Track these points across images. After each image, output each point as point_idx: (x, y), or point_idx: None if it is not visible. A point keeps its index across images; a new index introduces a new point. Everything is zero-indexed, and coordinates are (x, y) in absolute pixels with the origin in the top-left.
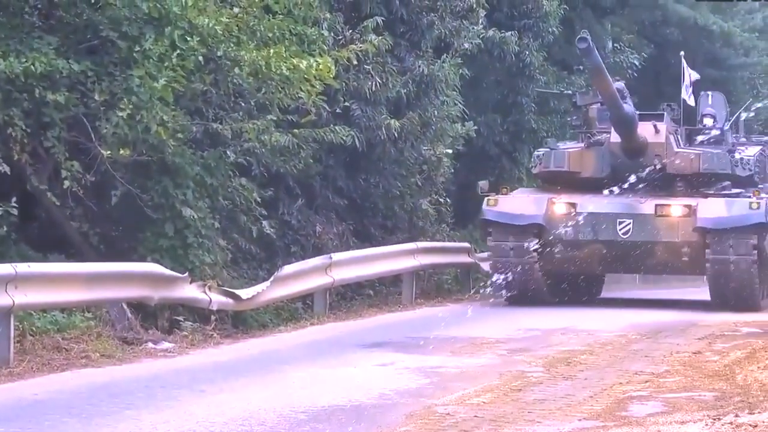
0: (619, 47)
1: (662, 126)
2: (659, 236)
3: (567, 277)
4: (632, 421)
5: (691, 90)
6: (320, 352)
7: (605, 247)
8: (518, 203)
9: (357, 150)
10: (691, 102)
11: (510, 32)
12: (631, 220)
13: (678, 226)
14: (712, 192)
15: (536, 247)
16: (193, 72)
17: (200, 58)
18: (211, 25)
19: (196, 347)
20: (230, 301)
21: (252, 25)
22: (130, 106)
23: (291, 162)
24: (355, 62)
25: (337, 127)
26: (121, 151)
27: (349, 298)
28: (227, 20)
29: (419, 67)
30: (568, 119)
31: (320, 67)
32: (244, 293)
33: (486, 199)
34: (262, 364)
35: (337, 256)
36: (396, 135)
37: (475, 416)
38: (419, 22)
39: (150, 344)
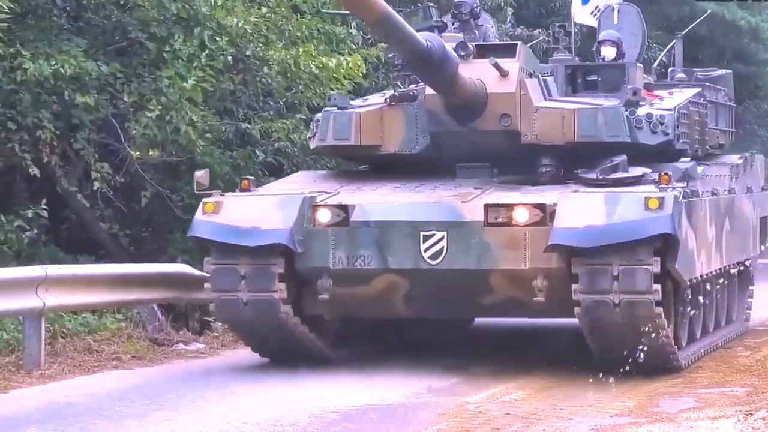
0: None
1: (512, 66)
2: (493, 260)
3: (358, 322)
4: (664, 417)
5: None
6: None
7: (404, 280)
8: (255, 208)
9: None
10: (590, 21)
11: (537, 30)
12: (445, 234)
13: (525, 243)
14: (593, 177)
15: (282, 270)
16: (222, 72)
17: (229, 57)
18: (240, 24)
19: (227, 348)
20: None
21: (280, 25)
22: (159, 107)
23: (321, 161)
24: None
25: None
26: (151, 152)
27: None
28: (255, 20)
29: None
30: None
31: (350, 65)
32: None
33: (203, 202)
34: (293, 364)
35: None
36: None
37: (507, 414)
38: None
39: (181, 345)
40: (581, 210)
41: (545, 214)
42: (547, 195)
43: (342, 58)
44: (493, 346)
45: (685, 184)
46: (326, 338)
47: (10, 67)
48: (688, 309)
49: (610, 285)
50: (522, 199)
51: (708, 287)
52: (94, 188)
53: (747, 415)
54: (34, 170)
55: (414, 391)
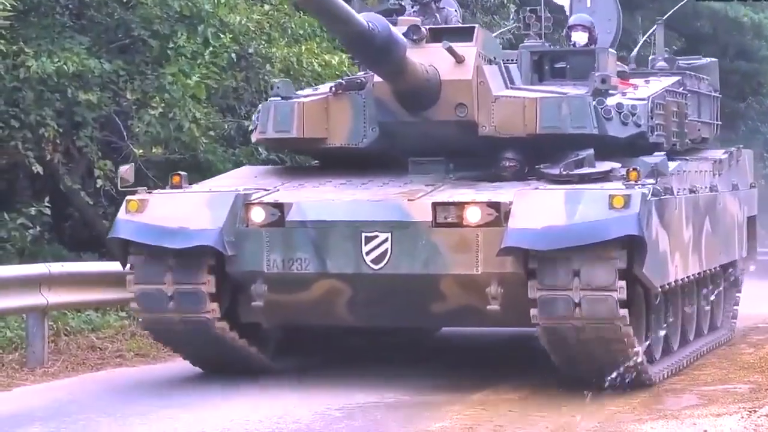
0: (649, 41)
1: (469, 51)
2: (442, 265)
3: (305, 331)
4: (668, 414)
5: None
6: None
7: (346, 286)
8: (183, 207)
9: None
10: (562, 1)
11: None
12: (388, 235)
13: (477, 245)
14: (555, 173)
15: (212, 290)
16: (225, 69)
17: (232, 55)
18: (242, 22)
19: None
20: None
21: (283, 22)
22: (162, 104)
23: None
24: None
25: None
26: (154, 150)
27: None
28: (258, 17)
29: None
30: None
31: (352, 63)
32: None
33: (126, 200)
34: (296, 361)
35: None
36: None
37: (509, 411)
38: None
39: None
40: (539, 209)
41: (499, 213)
42: (503, 193)
43: (344, 56)
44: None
45: (655, 180)
46: (266, 348)
47: (13, 64)
48: (663, 318)
49: (569, 281)
50: (475, 197)
51: (686, 293)
52: (97, 186)
53: (750, 412)
54: (37, 168)
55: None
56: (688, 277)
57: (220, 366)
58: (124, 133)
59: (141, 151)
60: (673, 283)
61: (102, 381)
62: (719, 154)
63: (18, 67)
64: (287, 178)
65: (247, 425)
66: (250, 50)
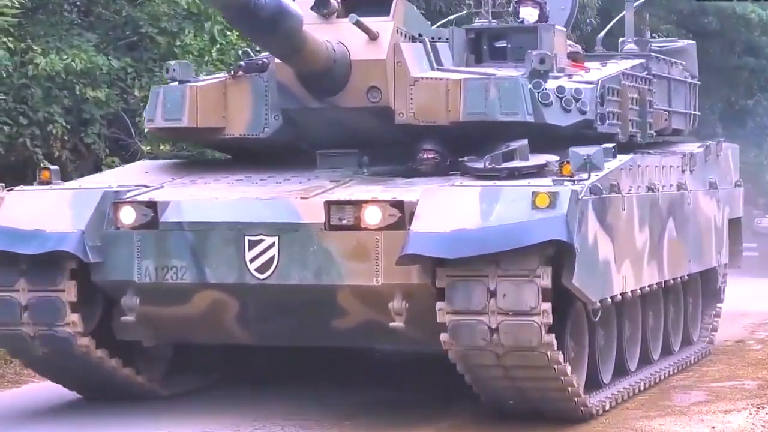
0: (656, 37)
1: (384, 27)
2: (337, 274)
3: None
4: (676, 411)
5: None
6: None
7: (231, 298)
8: (42, 206)
9: None
10: None
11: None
12: (275, 239)
13: (377, 252)
14: (480, 167)
15: (72, 298)
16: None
17: (240, 52)
18: None
19: None
20: None
21: None
22: None
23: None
24: None
25: None
26: (162, 147)
27: None
28: None
29: None
30: None
31: None
32: None
33: None
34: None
35: None
36: None
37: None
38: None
39: None
40: (448, 209)
41: (403, 214)
42: (414, 190)
43: None
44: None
45: (588, 175)
46: (153, 370)
47: (21, 61)
48: (617, 335)
49: (485, 303)
50: (377, 196)
51: (649, 305)
52: None
53: (758, 408)
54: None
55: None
56: (645, 288)
57: (98, 391)
58: (132, 131)
59: (149, 148)
60: (619, 297)
61: None
62: (693, 147)
63: (26, 65)
64: (184, 173)
65: None
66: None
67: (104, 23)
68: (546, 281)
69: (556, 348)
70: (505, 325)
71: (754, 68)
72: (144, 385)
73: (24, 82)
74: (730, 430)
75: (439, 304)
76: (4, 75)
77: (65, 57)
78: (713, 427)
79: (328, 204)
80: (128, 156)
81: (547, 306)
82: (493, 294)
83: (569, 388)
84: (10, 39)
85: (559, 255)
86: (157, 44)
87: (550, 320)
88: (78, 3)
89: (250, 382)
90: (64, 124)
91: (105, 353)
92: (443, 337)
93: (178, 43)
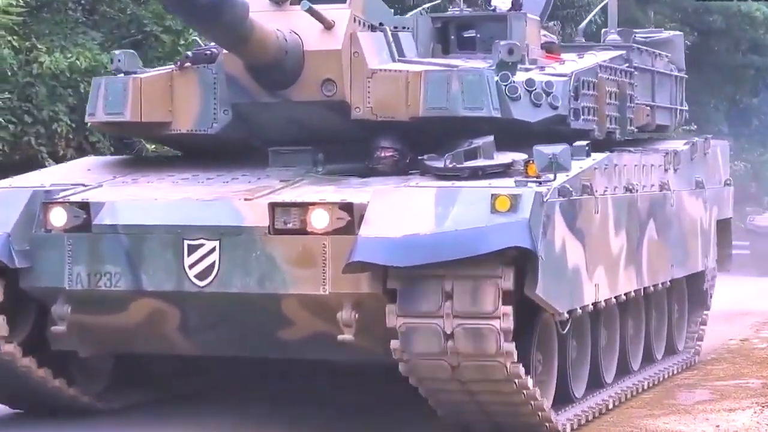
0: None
1: (340, 15)
2: (282, 282)
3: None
4: (680, 409)
5: None
6: None
7: (170, 307)
8: None
9: None
10: None
11: (552, 22)
12: (216, 244)
13: (324, 258)
14: (440, 165)
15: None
16: None
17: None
18: None
19: None
20: None
21: None
22: None
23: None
24: None
25: None
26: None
27: None
28: None
29: None
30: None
31: None
32: None
33: None
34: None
35: None
36: None
37: None
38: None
39: None
40: (401, 213)
41: (353, 217)
42: (365, 191)
43: None
44: None
45: (554, 175)
46: (91, 382)
47: (26, 60)
48: (591, 346)
49: (439, 304)
50: (327, 197)
51: (628, 313)
52: None
53: (763, 407)
54: (51, 163)
55: None
56: (618, 297)
57: (30, 405)
58: None
59: (153, 146)
60: (591, 307)
61: None
62: (678, 145)
63: (31, 63)
64: (128, 170)
65: None
66: None
67: (109, 21)
68: (507, 284)
69: (516, 359)
70: (461, 330)
71: (759, 66)
72: (77, 398)
73: (29, 81)
74: (734, 429)
75: (389, 307)
76: (9, 73)
77: (70, 55)
78: (718, 426)
79: (273, 206)
80: (133, 154)
81: (508, 310)
82: (449, 296)
83: (532, 402)
84: (15, 38)
85: (522, 259)
86: (162, 42)
87: (511, 326)
88: (82, 1)
89: (201, 395)
90: (69, 122)
91: (33, 362)
92: (393, 344)
93: (182, 41)
